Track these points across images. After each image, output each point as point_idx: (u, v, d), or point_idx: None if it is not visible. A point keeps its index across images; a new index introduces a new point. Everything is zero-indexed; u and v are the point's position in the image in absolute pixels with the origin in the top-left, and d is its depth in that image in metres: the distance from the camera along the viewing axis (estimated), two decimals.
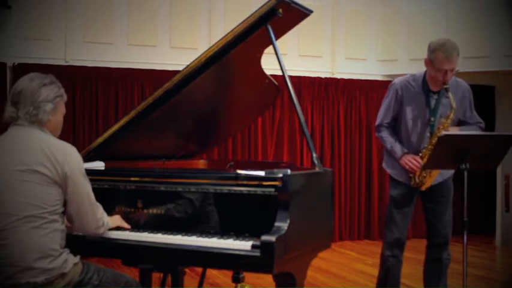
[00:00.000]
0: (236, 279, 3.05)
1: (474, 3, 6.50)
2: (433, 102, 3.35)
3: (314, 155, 2.59)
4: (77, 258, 2.29)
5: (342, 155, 6.93)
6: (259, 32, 2.65)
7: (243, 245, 2.22)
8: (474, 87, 6.87)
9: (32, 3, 5.59)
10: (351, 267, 5.49)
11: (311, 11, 2.78)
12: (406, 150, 3.39)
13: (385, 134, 3.49)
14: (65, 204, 2.27)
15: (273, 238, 2.15)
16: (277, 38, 2.68)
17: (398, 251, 3.49)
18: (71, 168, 2.22)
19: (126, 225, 2.55)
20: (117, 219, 2.54)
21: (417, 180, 3.37)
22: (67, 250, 2.27)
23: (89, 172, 2.36)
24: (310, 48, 6.76)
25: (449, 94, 3.18)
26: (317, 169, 2.59)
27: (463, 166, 2.96)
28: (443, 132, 3.12)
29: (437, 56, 3.18)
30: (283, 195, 2.27)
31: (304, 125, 2.66)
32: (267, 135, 6.60)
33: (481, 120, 3.45)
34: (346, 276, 5.13)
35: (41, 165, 2.18)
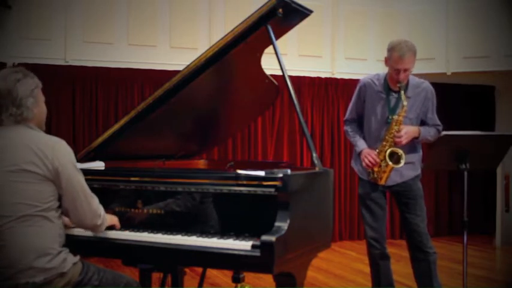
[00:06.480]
0: (236, 279, 3.05)
1: (474, 3, 6.50)
2: (392, 101, 3.39)
3: (314, 155, 2.59)
4: (77, 258, 2.28)
5: (342, 155, 6.93)
6: (259, 32, 2.65)
7: (243, 245, 2.22)
8: (474, 87, 6.96)
9: (32, 3, 5.58)
10: (351, 267, 5.48)
11: (311, 11, 2.78)
12: (366, 146, 3.43)
13: (350, 129, 3.57)
14: (59, 198, 2.26)
15: (273, 238, 2.15)
16: (277, 38, 2.68)
17: (381, 246, 3.50)
18: (62, 163, 2.20)
19: (118, 225, 2.53)
20: (113, 218, 2.53)
21: (374, 175, 3.39)
22: (66, 249, 2.26)
23: (89, 172, 2.36)
24: (310, 48, 6.75)
25: (402, 93, 3.24)
26: (317, 169, 2.58)
27: (463, 166, 2.96)
28: (444, 133, 3.11)
29: (393, 55, 3.26)
30: (283, 195, 2.27)
31: (304, 125, 2.65)
32: (267, 135, 6.60)
33: (439, 123, 3.48)
34: (346, 276, 5.13)
35: (31, 163, 2.16)
